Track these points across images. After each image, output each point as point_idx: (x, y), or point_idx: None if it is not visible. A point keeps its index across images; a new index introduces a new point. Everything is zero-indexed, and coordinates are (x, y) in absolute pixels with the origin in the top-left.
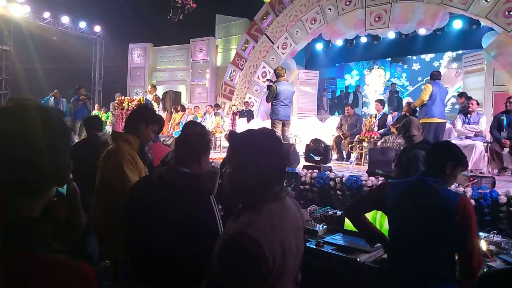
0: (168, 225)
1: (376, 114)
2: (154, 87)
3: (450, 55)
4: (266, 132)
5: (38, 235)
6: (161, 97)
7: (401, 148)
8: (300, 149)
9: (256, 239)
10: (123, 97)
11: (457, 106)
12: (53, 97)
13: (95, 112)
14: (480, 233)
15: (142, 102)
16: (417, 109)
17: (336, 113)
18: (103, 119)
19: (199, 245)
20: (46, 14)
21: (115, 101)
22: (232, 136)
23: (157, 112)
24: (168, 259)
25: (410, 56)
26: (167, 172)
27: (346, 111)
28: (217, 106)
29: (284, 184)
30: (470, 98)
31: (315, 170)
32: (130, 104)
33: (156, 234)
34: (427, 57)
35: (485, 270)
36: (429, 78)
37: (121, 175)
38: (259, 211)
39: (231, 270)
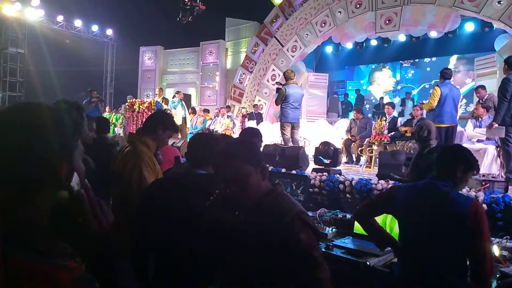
0: (186, 227)
1: (386, 117)
2: (161, 89)
3: (460, 58)
4: (245, 138)
5: (28, 239)
6: (171, 99)
7: (412, 151)
8: (310, 152)
9: (307, 213)
10: (134, 99)
11: (469, 108)
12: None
13: (106, 114)
14: (493, 238)
15: (152, 104)
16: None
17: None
18: (112, 120)
19: (214, 246)
20: (60, 18)
21: (126, 103)
22: (224, 152)
23: (167, 112)
24: (183, 259)
25: (422, 59)
26: (183, 174)
27: (354, 116)
28: (228, 108)
29: (293, 186)
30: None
31: (324, 173)
32: (141, 106)
33: (173, 234)
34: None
35: (497, 275)
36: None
37: (139, 177)
38: (284, 196)
39: (306, 242)
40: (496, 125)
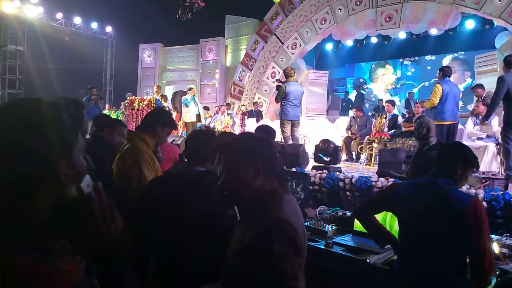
0: (185, 223)
1: (386, 115)
2: (159, 87)
3: (455, 59)
4: (250, 133)
5: (27, 237)
6: (171, 97)
7: (412, 149)
8: (309, 150)
9: (291, 223)
10: (133, 97)
11: (469, 107)
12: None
13: (105, 112)
14: (493, 236)
15: (152, 102)
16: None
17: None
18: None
19: (216, 242)
20: (59, 15)
21: (126, 101)
22: (221, 145)
23: (166, 109)
24: (185, 257)
25: (422, 57)
26: (183, 171)
27: (354, 113)
28: (227, 105)
29: (293, 184)
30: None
31: (324, 171)
32: (140, 104)
33: (173, 232)
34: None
35: (497, 273)
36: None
37: (139, 174)
38: (279, 200)
39: (277, 254)
40: (487, 122)
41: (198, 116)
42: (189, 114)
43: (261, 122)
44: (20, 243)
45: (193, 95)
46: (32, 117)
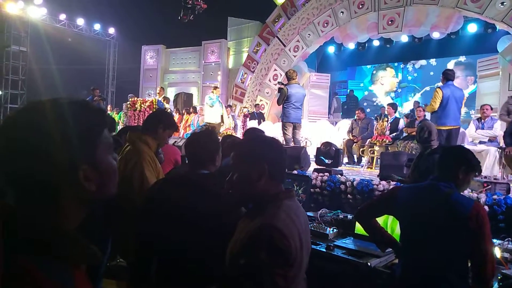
0: (190, 226)
1: (388, 118)
2: (162, 89)
3: (458, 64)
4: (263, 136)
5: (40, 241)
6: (172, 98)
7: (413, 152)
8: (311, 152)
9: (282, 230)
10: (135, 98)
11: (472, 112)
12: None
13: (107, 113)
14: (494, 240)
15: (154, 103)
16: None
17: None
18: (116, 119)
19: (218, 244)
20: (62, 16)
21: (128, 102)
22: (234, 144)
23: (168, 111)
24: (189, 259)
25: (424, 60)
26: (186, 173)
27: (356, 115)
28: (229, 107)
29: (295, 186)
30: None
31: (326, 174)
32: (142, 105)
33: (177, 235)
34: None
35: (499, 277)
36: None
37: (140, 176)
38: (278, 205)
39: (259, 261)
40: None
41: (222, 118)
42: (213, 115)
43: (263, 125)
44: (23, 246)
45: (218, 95)
46: (43, 119)
